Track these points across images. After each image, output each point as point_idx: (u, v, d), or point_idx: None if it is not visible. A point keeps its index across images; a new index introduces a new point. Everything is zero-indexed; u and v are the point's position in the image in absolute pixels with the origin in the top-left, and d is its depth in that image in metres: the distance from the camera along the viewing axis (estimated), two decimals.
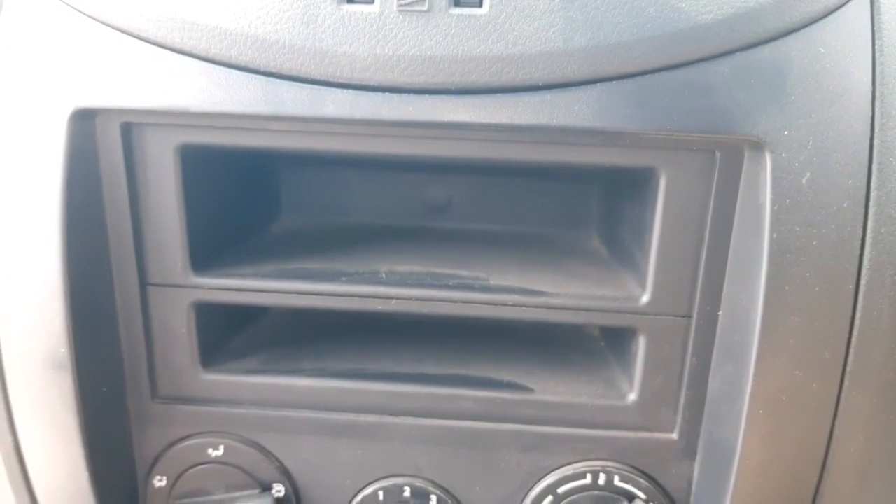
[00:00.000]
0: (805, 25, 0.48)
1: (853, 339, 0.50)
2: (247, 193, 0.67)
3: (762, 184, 0.48)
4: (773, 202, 0.48)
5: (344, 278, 0.56)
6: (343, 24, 0.47)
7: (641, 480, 0.57)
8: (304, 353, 0.62)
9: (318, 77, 0.48)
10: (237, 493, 0.60)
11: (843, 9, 0.49)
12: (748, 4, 0.47)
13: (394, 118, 0.48)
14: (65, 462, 0.57)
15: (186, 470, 0.60)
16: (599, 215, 0.70)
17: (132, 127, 0.53)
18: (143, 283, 0.56)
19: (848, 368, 0.50)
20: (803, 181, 0.48)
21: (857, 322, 0.49)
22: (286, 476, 0.60)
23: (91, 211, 0.54)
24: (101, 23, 0.50)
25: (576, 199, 0.71)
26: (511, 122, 0.48)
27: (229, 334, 0.64)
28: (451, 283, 0.56)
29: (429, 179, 0.72)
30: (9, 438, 0.58)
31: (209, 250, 0.58)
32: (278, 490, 0.60)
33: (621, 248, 0.62)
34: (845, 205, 0.48)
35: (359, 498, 0.60)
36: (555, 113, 0.47)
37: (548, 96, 0.47)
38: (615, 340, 0.63)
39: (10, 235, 0.52)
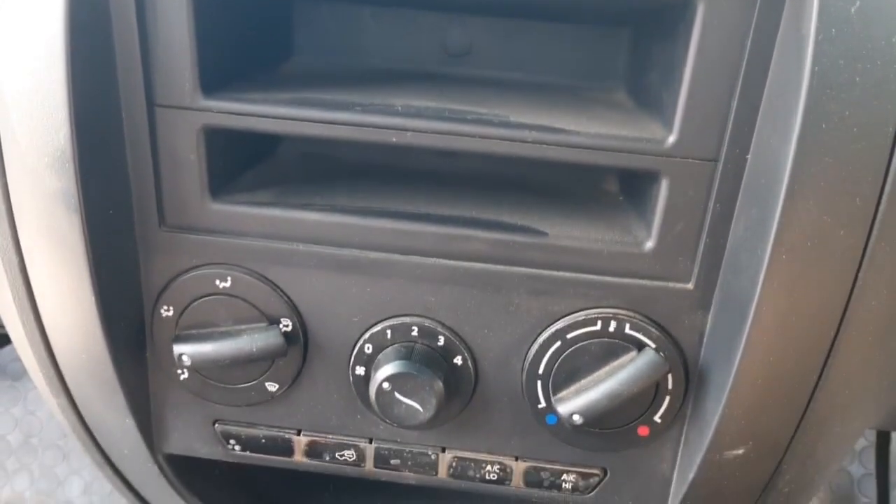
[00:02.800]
0: None
1: (886, 187, 0.47)
2: (259, 26, 0.64)
3: (808, 11, 0.45)
4: (818, 31, 0.45)
5: (359, 108, 0.54)
6: None
7: (652, 329, 0.56)
8: (315, 190, 0.61)
9: None
10: (244, 326, 0.60)
11: None
12: None
13: None
14: (72, 290, 0.56)
15: (193, 301, 0.60)
16: (627, 65, 0.66)
17: None
18: (151, 104, 0.54)
19: (878, 217, 0.48)
20: (852, 10, 0.45)
21: (892, 168, 0.47)
22: (294, 311, 0.60)
23: (97, 24, 0.51)
24: None
25: (603, 47, 0.67)
26: None
27: (240, 167, 0.62)
28: (469, 118, 0.54)
29: (447, 21, 0.68)
30: (15, 261, 0.57)
31: (220, 75, 0.56)
32: (285, 324, 0.60)
33: (649, 97, 0.59)
34: (894, 40, 0.45)
35: (366, 335, 0.59)
36: None
37: None
38: (635, 191, 0.61)
39: (15, 53, 0.50)
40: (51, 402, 0.67)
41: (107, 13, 0.52)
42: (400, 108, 0.55)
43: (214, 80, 0.55)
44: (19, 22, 0.50)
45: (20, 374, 1.75)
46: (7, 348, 1.57)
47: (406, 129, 0.53)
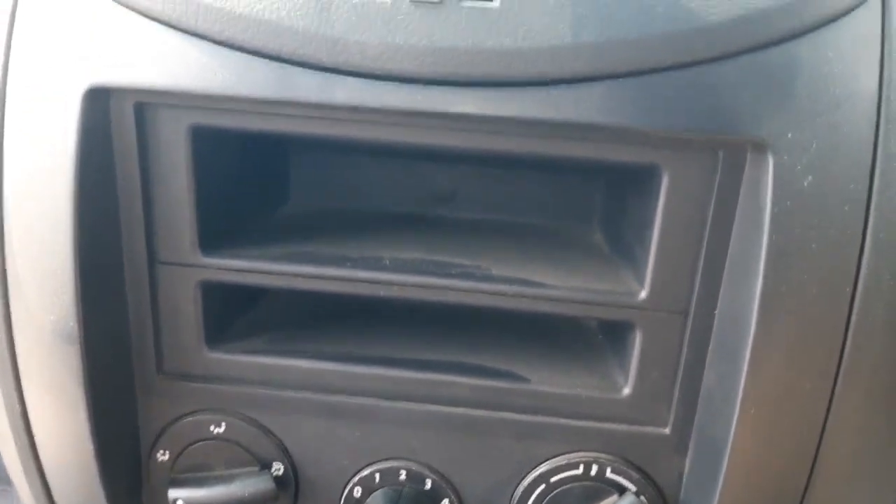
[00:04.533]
0: (814, 29, 0.48)
1: (847, 342, 0.50)
2: (256, 176, 0.68)
3: (764, 185, 0.49)
4: (774, 204, 0.48)
5: (349, 263, 0.57)
6: (356, 12, 0.48)
7: (633, 473, 0.58)
8: (306, 335, 0.63)
9: (329, 64, 0.48)
10: (237, 470, 0.62)
11: (854, 13, 0.49)
12: (757, 6, 0.48)
13: (402, 107, 0.49)
14: (71, 433, 0.58)
15: (189, 445, 0.62)
16: (602, 209, 0.70)
17: (145, 107, 0.54)
18: (153, 261, 0.58)
19: (841, 370, 0.51)
20: (805, 184, 0.48)
21: (852, 325, 0.50)
22: (285, 455, 0.61)
23: (103, 188, 0.55)
24: (118, 2, 0.51)
25: (579, 192, 0.71)
26: (517, 115, 0.48)
27: (234, 313, 0.65)
28: (452, 272, 0.57)
29: (434, 168, 0.73)
30: (17, 408, 0.59)
31: (218, 230, 0.59)
32: (277, 468, 0.61)
33: (622, 243, 0.63)
34: (846, 209, 0.49)
35: (356, 479, 0.61)
36: (561, 107, 0.48)
37: (554, 91, 0.48)
38: (613, 333, 0.64)
39: (23, 210, 0.53)
40: None
41: (112, 177, 0.55)
42: (388, 261, 0.58)
43: (213, 235, 0.58)
44: (29, 181, 0.53)
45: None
46: None
47: (393, 284, 0.57)
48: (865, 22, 0.49)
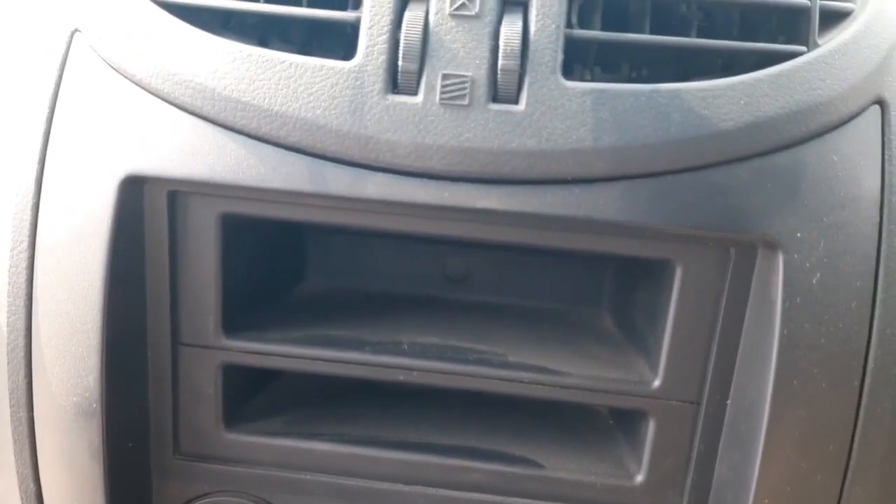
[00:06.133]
0: (819, 134, 0.52)
1: (857, 434, 0.52)
2: (275, 258, 0.69)
3: (774, 282, 0.51)
4: (784, 300, 0.50)
5: (368, 347, 0.59)
6: (387, 113, 0.50)
7: None
8: (323, 417, 0.64)
9: (360, 160, 0.51)
10: None
11: (856, 120, 0.52)
12: (766, 113, 0.51)
13: (429, 202, 0.51)
14: None
15: None
16: (612, 296, 0.72)
17: (178, 195, 0.56)
18: (176, 343, 0.59)
19: (852, 461, 0.52)
20: (814, 281, 0.51)
21: (861, 418, 0.52)
22: None
23: (132, 272, 0.56)
24: (158, 97, 0.53)
25: (590, 279, 0.73)
26: (539, 212, 0.51)
27: (252, 392, 0.66)
28: (470, 358, 0.58)
29: (449, 252, 0.75)
30: (31, 488, 0.59)
31: (239, 312, 0.60)
32: None
33: (633, 330, 0.65)
34: (853, 305, 0.51)
35: None
36: (581, 205, 0.50)
37: (575, 190, 0.50)
38: (624, 420, 0.65)
39: (53, 291, 0.55)
40: None
41: (142, 261, 0.57)
42: (406, 346, 0.59)
43: (234, 317, 0.59)
44: (60, 264, 0.55)
45: None
46: None
47: (412, 370, 0.58)
48: (867, 128, 0.52)
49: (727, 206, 0.50)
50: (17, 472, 0.59)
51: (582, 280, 0.74)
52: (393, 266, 0.76)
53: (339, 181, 0.51)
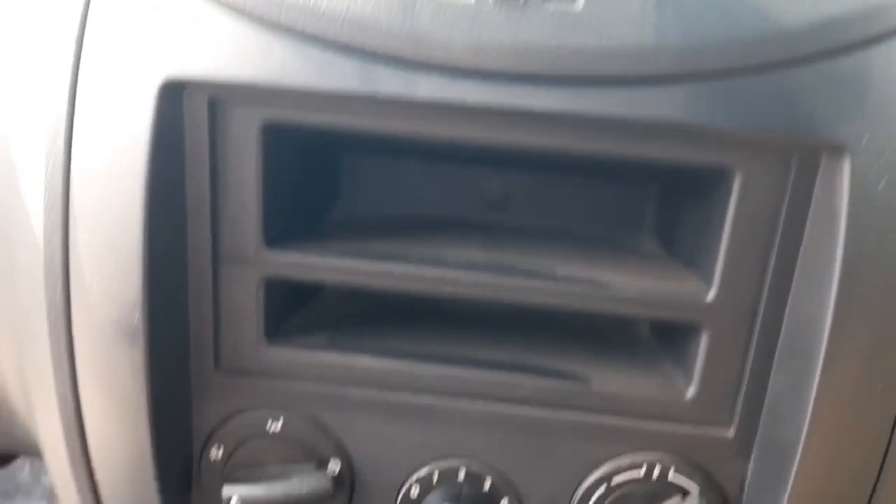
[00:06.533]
0: (889, 37, 0.49)
1: None
2: (313, 178, 0.68)
3: (838, 188, 0.49)
4: (850, 206, 0.49)
5: (413, 260, 0.57)
6: (440, 10, 0.48)
7: (696, 475, 0.58)
8: (366, 332, 0.63)
9: (412, 60, 0.49)
10: (293, 468, 0.61)
11: None
12: (836, 13, 0.48)
13: (484, 102, 0.49)
14: (127, 430, 0.57)
15: (243, 442, 0.61)
16: (656, 216, 0.70)
17: (219, 103, 0.54)
18: (217, 257, 0.57)
19: None
20: (880, 187, 0.49)
21: None
22: (342, 453, 0.61)
23: (172, 184, 0.55)
24: None
25: (632, 200, 0.72)
26: (599, 113, 0.49)
27: (291, 310, 0.65)
28: (518, 271, 0.57)
29: (486, 175, 0.73)
30: (71, 404, 0.59)
31: (279, 227, 0.59)
32: (333, 466, 0.61)
33: (681, 248, 0.63)
34: None
35: (413, 478, 0.61)
36: (643, 106, 0.48)
37: (636, 90, 0.48)
38: (670, 338, 0.64)
39: (91, 204, 0.53)
40: None
41: (182, 173, 0.55)
42: (452, 259, 0.58)
43: (275, 232, 0.58)
44: (98, 176, 0.53)
45: (13, 492, 1.72)
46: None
47: (459, 282, 0.57)
48: None
49: (793, 109, 0.49)
50: (57, 390, 0.59)
51: (623, 203, 0.72)
52: (429, 190, 0.75)
53: (390, 81, 0.49)
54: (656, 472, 0.58)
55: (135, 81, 0.52)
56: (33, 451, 0.79)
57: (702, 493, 0.58)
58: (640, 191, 0.71)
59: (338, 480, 0.61)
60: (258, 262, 0.57)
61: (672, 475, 0.58)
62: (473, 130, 0.52)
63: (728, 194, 0.53)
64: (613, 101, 0.48)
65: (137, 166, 0.52)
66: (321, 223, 0.68)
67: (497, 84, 0.49)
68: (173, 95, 0.52)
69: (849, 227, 0.49)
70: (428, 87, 0.49)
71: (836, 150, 0.49)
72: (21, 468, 1.70)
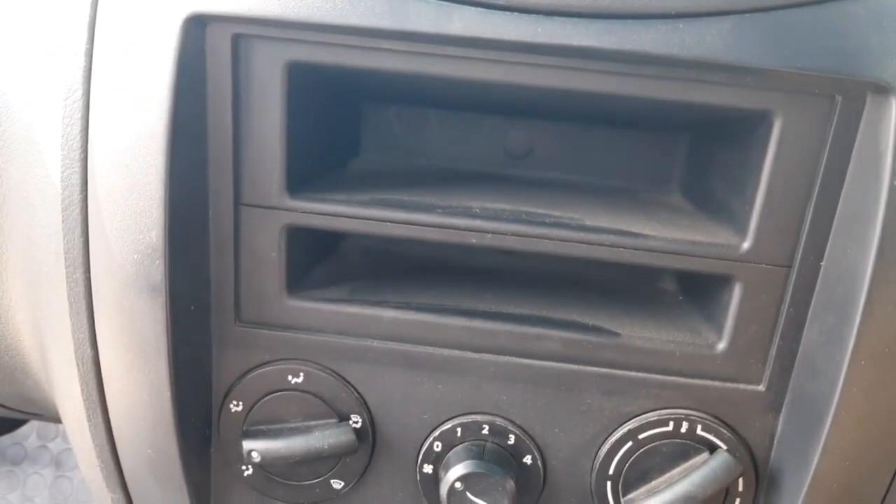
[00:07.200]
0: None
1: None
2: (335, 126, 0.66)
3: (884, 130, 0.48)
4: None
5: (439, 210, 0.56)
6: None
7: (724, 431, 0.57)
8: (386, 286, 0.62)
9: None
10: (314, 422, 0.60)
11: None
12: None
13: (521, 39, 0.47)
14: (146, 383, 0.56)
15: (264, 396, 0.60)
16: (684, 169, 0.69)
17: (242, 40, 0.52)
18: (238, 203, 0.56)
19: None
20: None
21: None
22: (364, 407, 0.60)
23: (194, 125, 0.53)
24: None
25: (659, 152, 0.70)
26: (640, 50, 0.47)
27: (312, 262, 0.63)
28: (547, 221, 0.56)
29: (510, 125, 0.71)
30: (88, 352, 0.57)
31: (302, 175, 0.57)
32: (355, 421, 0.60)
33: (711, 201, 0.62)
34: None
35: (436, 433, 0.60)
36: (685, 43, 0.47)
37: (679, 25, 0.47)
38: (697, 291, 0.62)
39: (111, 144, 0.52)
40: (102, 497, 0.66)
41: (204, 113, 0.53)
42: (478, 210, 0.56)
43: (297, 180, 0.56)
44: (118, 113, 0.51)
45: (20, 458, 1.72)
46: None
47: (486, 232, 0.55)
48: None
49: (839, 47, 0.47)
50: (73, 337, 0.57)
51: (650, 155, 0.71)
52: (451, 142, 0.73)
53: (422, 17, 0.47)
54: (684, 428, 0.57)
55: (157, 16, 0.50)
56: (45, 411, 0.78)
57: (730, 450, 0.57)
58: (669, 142, 0.69)
59: (359, 435, 0.60)
60: (281, 209, 0.56)
61: (700, 431, 0.57)
62: (507, 72, 0.50)
63: (766, 141, 0.52)
64: (655, 37, 0.47)
65: (160, 104, 0.50)
66: (343, 173, 0.66)
67: (534, 19, 0.47)
68: (197, 30, 0.50)
69: (894, 170, 0.47)
70: (461, 23, 0.47)
71: (882, 90, 0.48)
72: (28, 435, 1.70)
